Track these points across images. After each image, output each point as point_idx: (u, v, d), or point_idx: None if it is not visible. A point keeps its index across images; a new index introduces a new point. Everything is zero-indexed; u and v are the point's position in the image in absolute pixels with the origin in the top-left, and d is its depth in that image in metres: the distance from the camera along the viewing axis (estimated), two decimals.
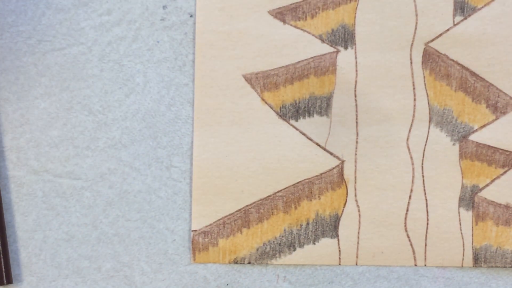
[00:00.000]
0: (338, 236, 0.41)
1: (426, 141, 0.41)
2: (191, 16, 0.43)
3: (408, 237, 0.41)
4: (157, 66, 0.43)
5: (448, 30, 0.42)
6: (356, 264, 0.41)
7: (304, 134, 0.42)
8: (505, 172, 0.41)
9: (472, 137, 0.41)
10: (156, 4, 0.43)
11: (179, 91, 0.43)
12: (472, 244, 0.41)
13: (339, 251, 0.41)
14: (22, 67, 0.43)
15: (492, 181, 0.41)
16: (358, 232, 0.41)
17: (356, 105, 0.42)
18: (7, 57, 0.43)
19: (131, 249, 0.42)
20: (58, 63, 0.43)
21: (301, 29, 0.42)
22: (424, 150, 0.41)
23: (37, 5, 0.43)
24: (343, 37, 0.42)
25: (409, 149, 0.41)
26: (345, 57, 0.42)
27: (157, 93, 0.43)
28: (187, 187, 0.42)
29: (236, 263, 0.41)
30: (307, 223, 0.41)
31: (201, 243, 0.41)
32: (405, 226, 0.41)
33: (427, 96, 0.42)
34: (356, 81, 0.42)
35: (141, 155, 0.42)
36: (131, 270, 0.42)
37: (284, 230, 0.41)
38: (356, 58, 0.42)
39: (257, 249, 0.41)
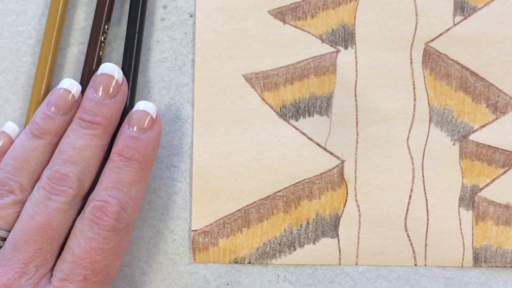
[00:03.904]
0: (338, 236, 0.41)
1: (426, 141, 0.41)
2: (191, 16, 0.43)
3: (408, 237, 0.41)
4: (157, 66, 0.43)
5: (448, 30, 0.42)
6: (356, 264, 0.41)
7: (304, 134, 0.42)
8: (505, 172, 0.41)
9: (472, 137, 0.42)
10: (156, 4, 0.43)
11: (179, 91, 0.43)
12: (472, 244, 0.41)
13: (339, 251, 0.41)
14: (22, 67, 0.43)
15: (492, 181, 0.41)
16: (358, 232, 0.41)
17: (356, 105, 0.42)
18: (7, 57, 0.43)
19: (131, 249, 0.42)
20: (58, 63, 0.43)
21: (301, 29, 0.42)
22: (424, 150, 0.41)
23: (37, 5, 0.43)
24: (343, 37, 0.42)
25: (409, 149, 0.41)
26: (345, 57, 0.42)
27: (157, 93, 0.43)
28: (187, 187, 0.42)
29: (236, 263, 0.41)
30: (307, 223, 0.41)
31: (201, 243, 0.41)
32: (405, 226, 0.41)
33: (427, 96, 0.42)
34: (356, 81, 0.42)
35: None
36: (131, 270, 0.42)
37: (284, 230, 0.41)
38: (356, 58, 0.42)
39: (257, 249, 0.41)
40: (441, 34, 0.42)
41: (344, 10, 0.42)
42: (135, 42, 0.41)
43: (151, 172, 0.41)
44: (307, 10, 0.42)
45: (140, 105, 0.39)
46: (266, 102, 0.42)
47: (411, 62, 0.42)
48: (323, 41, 0.42)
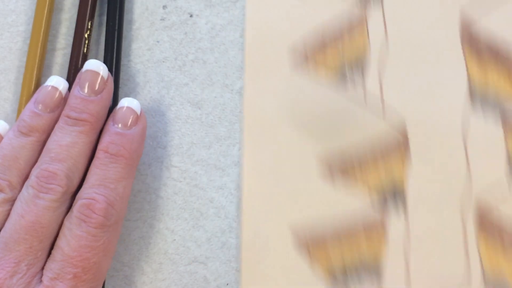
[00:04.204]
0: None
1: None
2: (191, 16, 0.43)
3: None
4: (157, 66, 0.43)
5: (503, 191, 0.41)
6: None
7: None
8: None
9: None
10: (156, 4, 0.43)
11: (179, 91, 0.43)
12: None
13: None
14: (22, 67, 0.43)
15: None
16: None
17: (408, 269, 0.40)
18: (7, 57, 0.43)
19: (131, 249, 0.42)
20: (58, 63, 0.43)
21: (350, 187, 0.41)
22: None
23: None
24: (394, 197, 0.41)
25: None
26: (395, 218, 0.41)
27: (157, 93, 0.43)
28: (187, 187, 0.42)
29: None
30: None
31: None
32: None
33: (481, 261, 0.40)
34: (407, 245, 0.40)
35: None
36: (131, 270, 0.41)
37: None
38: (406, 219, 0.41)
39: None
40: (495, 196, 0.41)
41: (394, 170, 0.41)
42: (116, 38, 0.41)
43: (143, 168, 0.42)
44: (357, 165, 0.41)
45: (124, 102, 0.39)
46: (314, 261, 0.40)
47: (464, 226, 0.40)
48: (372, 199, 0.41)
